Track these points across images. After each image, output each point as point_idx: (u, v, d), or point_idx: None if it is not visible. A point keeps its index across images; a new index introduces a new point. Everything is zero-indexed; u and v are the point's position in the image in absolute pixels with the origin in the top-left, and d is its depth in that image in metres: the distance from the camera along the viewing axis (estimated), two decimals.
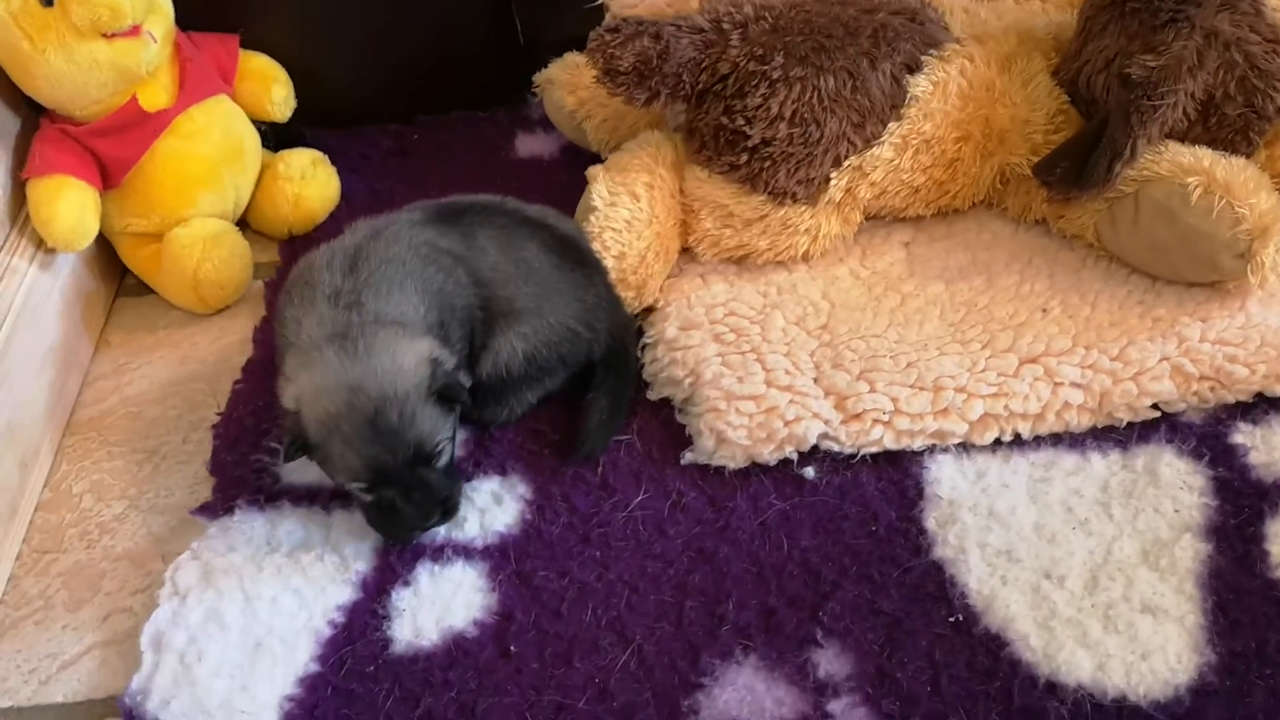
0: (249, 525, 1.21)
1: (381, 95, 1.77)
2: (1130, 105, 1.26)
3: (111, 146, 1.44)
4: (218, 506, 1.23)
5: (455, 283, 1.21)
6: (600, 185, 1.38)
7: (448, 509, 1.13)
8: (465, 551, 1.17)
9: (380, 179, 1.72)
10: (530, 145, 1.73)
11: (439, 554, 1.17)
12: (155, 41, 1.43)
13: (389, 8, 1.67)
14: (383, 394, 1.07)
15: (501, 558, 1.16)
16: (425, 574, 1.15)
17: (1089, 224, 1.35)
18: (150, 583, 1.19)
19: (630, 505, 1.20)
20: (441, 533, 1.18)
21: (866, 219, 1.45)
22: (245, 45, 1.65)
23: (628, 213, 1.36)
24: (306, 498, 1.23)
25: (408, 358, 1.10)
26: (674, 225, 1.40)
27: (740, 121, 1.35)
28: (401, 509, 1.11)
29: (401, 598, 1.13)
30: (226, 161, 1.54)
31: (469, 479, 1.24)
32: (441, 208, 1.29)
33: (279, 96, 1.65)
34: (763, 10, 1.38)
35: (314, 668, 1.08)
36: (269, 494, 1.24)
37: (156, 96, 1.47)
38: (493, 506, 1.21)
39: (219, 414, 1.35)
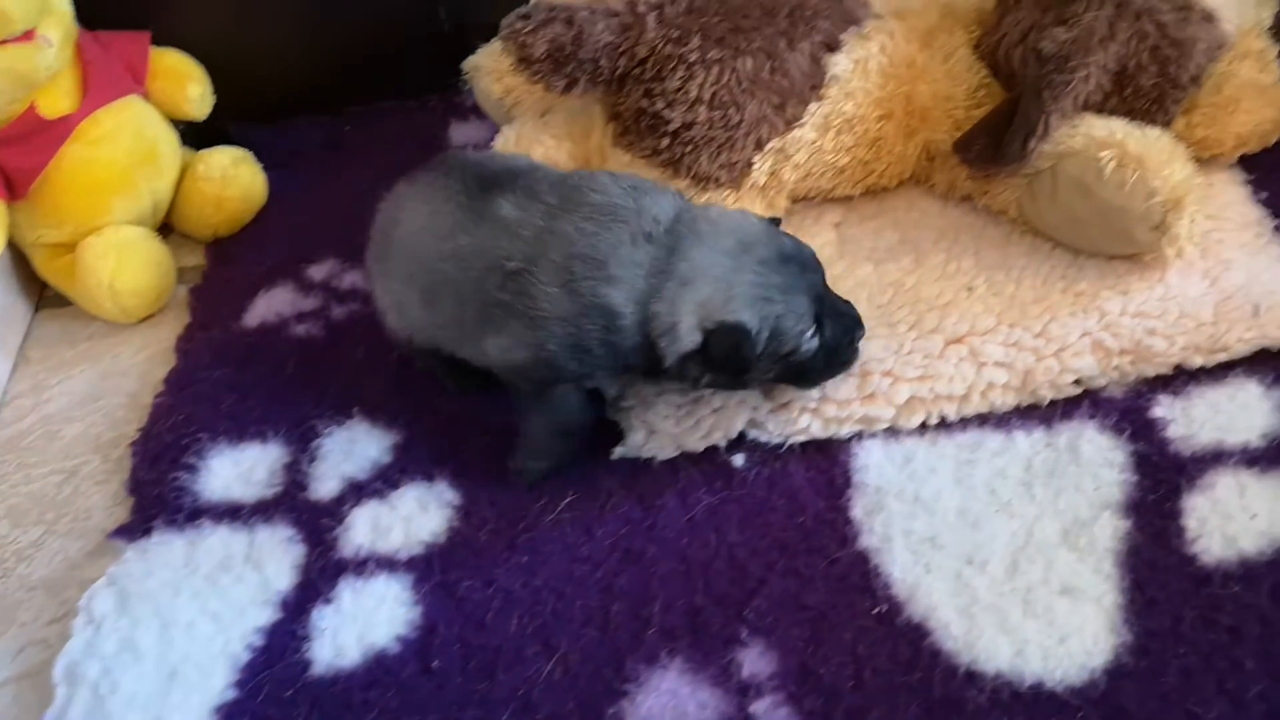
0: (167, 547, 1.19)
1: (309, 87, 1.75)
2: (1042, 81, 1.25)
3: (13, 156, 1.41)
4: (136, 528, 1.22)
5: None
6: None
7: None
8: (389, 564, 1.16)
9: (311, 174, 1.70)
10: (465, 133, 1.71)
11: (362, 568, 1.16)
12: (52, 45, 1.39)
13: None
14: None
15: (426, 568, 1.15)
16: (348, 590, 1.14)
17: (1011, 200, 1.34)
18: (66, 612, 1.17)
19: (559, 507, 1.20)
20: (365, 545, 1.17)
21: (795, 201, 1.44)
22: (158, 42, 1.62)
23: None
24: (228, 514, 1.22)
25: None
26: None
27: (660, 105, 1.33)
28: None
29: (323, 616, 1.12)
30: (140, 165, 1.51)
31: (395, 487, 1.23)
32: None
33: (195, 94, 1.61)
34: None
35: (231, 694, 1.07)
36: (189, 513, 1.22)
37: (57, 102, 1.44)
38: (419, 514, 1.21)
39: (139, 430, 1.33)
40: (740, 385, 1.20)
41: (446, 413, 1.31)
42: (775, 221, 1.19)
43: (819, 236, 1.42)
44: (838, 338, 1.16)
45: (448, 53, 1.64)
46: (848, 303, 1.19)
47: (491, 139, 1.61)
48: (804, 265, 1.14)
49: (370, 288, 1.29)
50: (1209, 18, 1.29)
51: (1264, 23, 1.35)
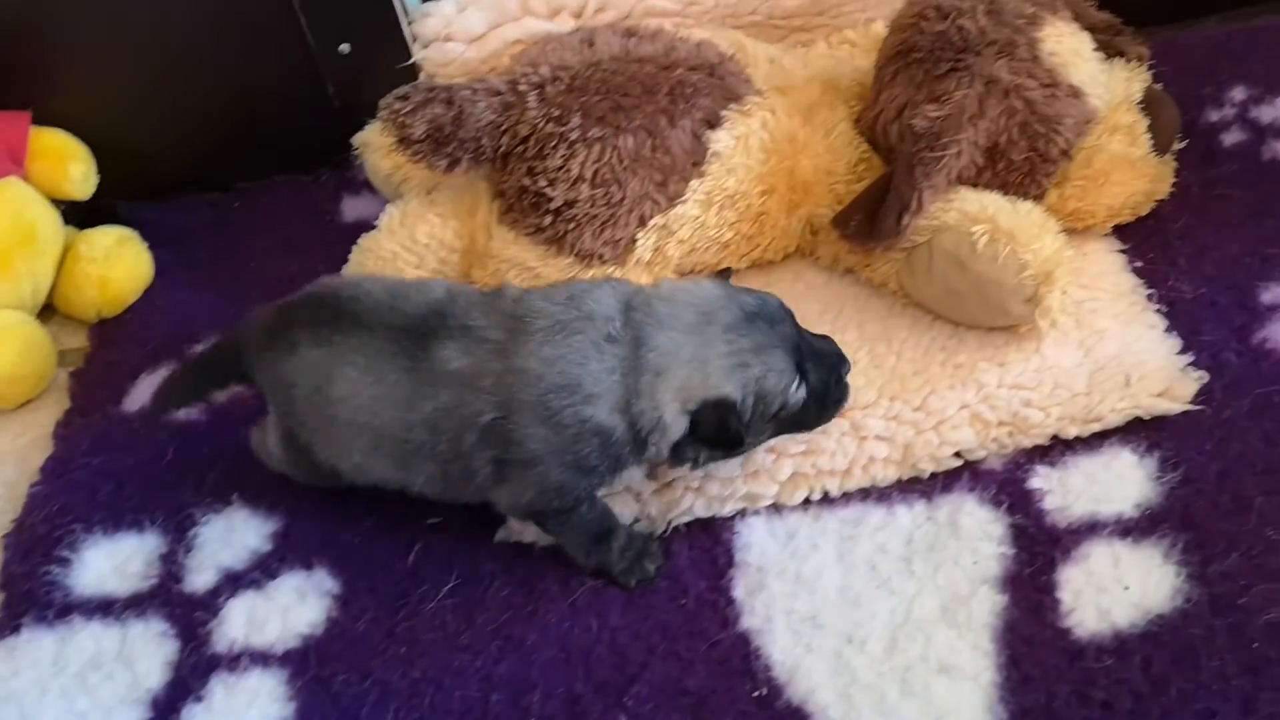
0: (36, 645, 1.16)
1: (197, 163, 1.73)
2: (915, 157, 1.28)
3: None
4: (4, 625, 1.18)
5: None
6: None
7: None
8: (264, 659, 1.14)
9: (200, 251, 1.68)
10: (357, 208, 1.69)
11: (235, 663, 1.13)
12: None
13: (190, 74, 1.63)
14: None
15: (302, 662, 1.13)
16: (220, 687, 1.12)
17: (891, 273, 1.36)
18: None
19: (440, 593, 1.18)
20: (239, 639, 1.14)
21: (681, 276, 1.44)
22: (42, 121, 1.60)
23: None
24: (100, 609, 1.19)
25: None
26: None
27: (543, 183, 1.33)
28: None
29: (194, 715, 1.10)
30: (17, 247, 1.48)
31: (273, 576, 1.21)
32: None
33: (78, 174, 1.59)
34: (560, 70, 1.37)
35: None
36: (59, 608, 1.19)
37: None
38: (296, 605, 1.18)
39: (14, 521, 1.29)
40: (739, 453, 1.18)
41: (326, 498, 1.29)
42: (725, 274, 1.18)
43: None
44: (824, 380, 1.14)
45: (339, 127, 1.63)
46: (825, 338, 1.17)
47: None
48: (771, 319, 1.11)
49: (282, 431, 1.22)
50: (1077, 93, 1.33)
51: (1133, 97, 1.38)
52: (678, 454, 1.12)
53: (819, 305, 1.40)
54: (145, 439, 1.39)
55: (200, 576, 1.23)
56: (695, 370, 1.07)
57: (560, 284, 1.16)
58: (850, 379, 1.28)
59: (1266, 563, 1.09)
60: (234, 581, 1.22)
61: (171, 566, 1.25)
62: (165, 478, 1.34)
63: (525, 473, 1.10)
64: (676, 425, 1.09)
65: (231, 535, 1.26)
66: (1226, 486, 1.16)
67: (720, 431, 1.08)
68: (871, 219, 1.30)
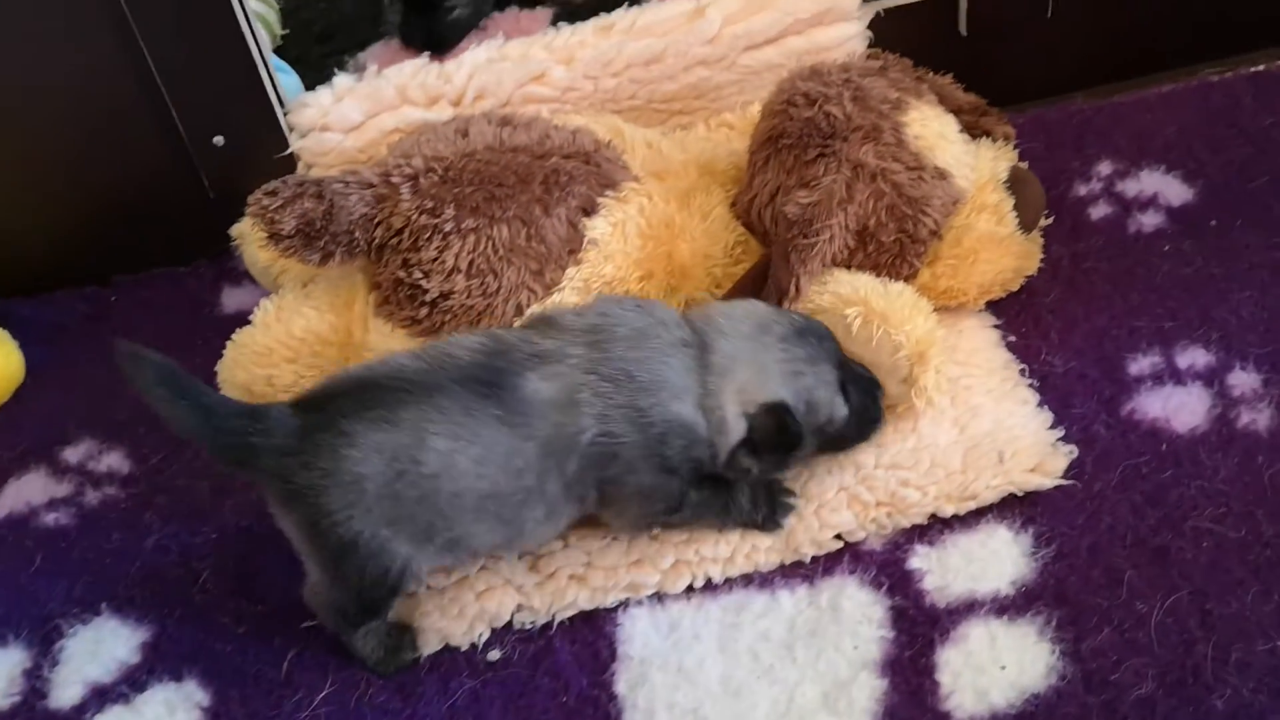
0: None
1: (73, 257, 1.69)
2: (790, 244, 1.29)
3: None
4: None
5: None
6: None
7: None
8: None
9: (75, 348, 1.63)
10: (237, 299, 1.66)
11: None
12: None
13: (63, 168, 1.60)
14: None
15: None
16: None
17: None
18: None
19: (314, 701, 1.15)
20: None
21: None
22: None
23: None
24: None
25: None
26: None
27: (418, 275, 1.32)
28: None
29: None
30: None
31: (141, 690, 1.16)
32: None
33: None
34: (433, 162, 1.36)
35: None
36: None
37: None
38: (165, 719, 1.14)
39: None
40: (786, 467, 1.22)
41: (200, 604, 1.26)
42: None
43: None
44: (863, 401, 1.21)
45: (217, 218, 1.61)
46: (860, 364, 1.23)
47: None
48: (819, 336, 1.19)
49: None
50: (943, 175, 1.35)
51: (999, 176, 1.42)
52: (732, 463, 1.17)
53: None
54: (11, 547, 1.34)
55: (66, 692, 1.19)
56: (755, 373, 1.14)
57: (609, 297, 1.24)
58: None
59: (1136, 637, 1.10)
60: (101, 696, 1.18)
61: (36, 682, 1.21)
62: (31, 587, 1.30)
63: (623, 489, 1.15)
64: (736, 428, 1.14)
65: (99, 647, 1.23)
66: (1098, 560, 1.17)
67: (778, 434, 1.15)
68: None
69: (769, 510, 1.23)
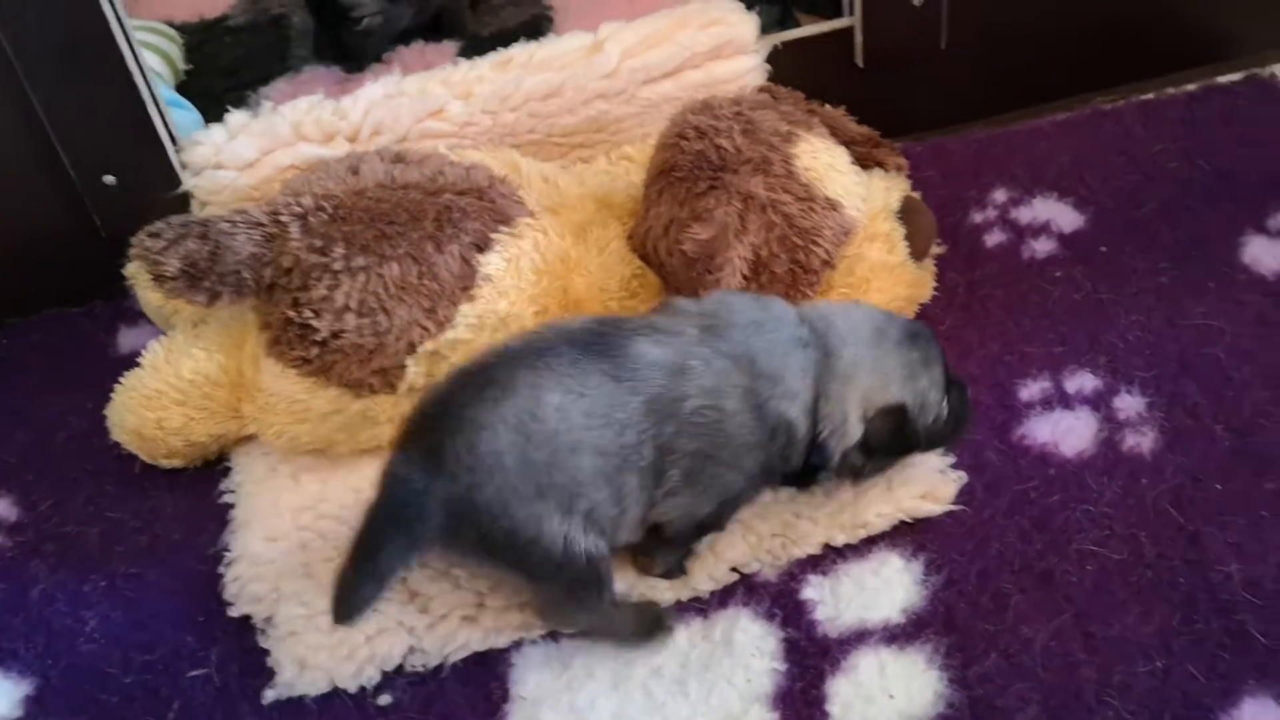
0: None
1: None
2: (697, 281, 1.29)
3: None
4: None
5: None
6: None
7: None
8: None
9: None
10: (133, 339, 1.62)
11: None
12: None
13: None
14: None
15: None
16: None
17: None
18: None
19: None
20: None
21: None
22: None
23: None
24: None
25: None
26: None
27: (308, 314, 1.31)
28: None
29: None
30: None
31: None
32: None
33: None
34: (323, 200, 1.35)
35: None
36: None
37: None
38: None
39: None
40: (893, 463, 1.24)
41: (87, 653, 1.23)
42: None
43: None
44: (960, 400, 1.23)
45: (110, 257, 1.58)
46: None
47: None
48: (928, 339, 1.21)
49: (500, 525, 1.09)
50: (834, 206, 1.37)
51: (891, 206, 1.43)
52: (844, 461, 1.19)
53: None
54: None
55: None
56: (878, 378, 1.17)
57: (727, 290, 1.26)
58: None
59: (1021, 661, 1.11)
60: None
61: None
62: None
63: (715, 469, 1.13)
64: (855, 431, 1.17)
65: None
66: (986, 586, 1.18)
67: (895, 436, 1.18)
68: None
69: (677, 563, 1.22)
